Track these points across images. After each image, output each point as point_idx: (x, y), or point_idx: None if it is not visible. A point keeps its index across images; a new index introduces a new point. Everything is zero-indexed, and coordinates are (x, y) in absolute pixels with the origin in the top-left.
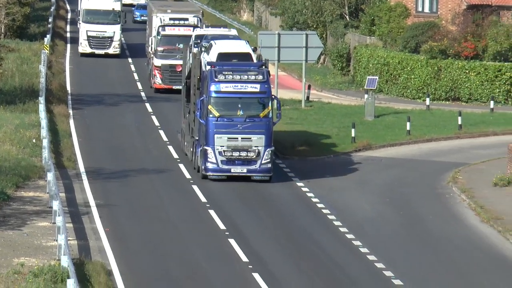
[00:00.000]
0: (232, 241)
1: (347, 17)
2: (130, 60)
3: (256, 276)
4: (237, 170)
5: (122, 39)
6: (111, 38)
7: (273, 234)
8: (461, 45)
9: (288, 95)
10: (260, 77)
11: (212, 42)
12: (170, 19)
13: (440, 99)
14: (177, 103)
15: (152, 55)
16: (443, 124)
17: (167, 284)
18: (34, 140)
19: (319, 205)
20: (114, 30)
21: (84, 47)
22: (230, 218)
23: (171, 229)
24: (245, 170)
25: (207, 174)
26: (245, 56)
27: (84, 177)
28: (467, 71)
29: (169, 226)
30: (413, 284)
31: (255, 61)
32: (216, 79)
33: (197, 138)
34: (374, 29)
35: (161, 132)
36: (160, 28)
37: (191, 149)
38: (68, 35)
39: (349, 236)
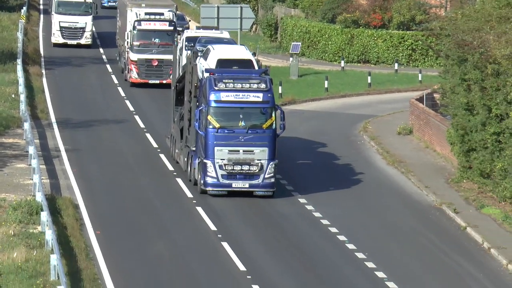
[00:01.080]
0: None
1: None
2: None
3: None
4: (238, 185)
5: (93, 29)
6: (83, 29)
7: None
8: (370, 17)
9: None
10: (263, 85)
11: (209, 47)
12: (146, 13)
13: (353, 61)
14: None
15: (127, 49)
16: (355, 83)
17: (123, 215)
18: (13, 95)
19: None
20: (86, 21)
21: (57, 37)
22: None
23: (128, 171)
24: (247, 185)
25: (206, 189)
26: (246, 63)
27: (55, 126)
28: (375, 38)
29: (127, 169)
30: (332, 218)
31: (256, 68)
32: (216, 88)
33: (193, 148)
34: (298, 3)
35: (113, 76)
36: (136, 22)
37: (185, 159)
38: (41, 7)
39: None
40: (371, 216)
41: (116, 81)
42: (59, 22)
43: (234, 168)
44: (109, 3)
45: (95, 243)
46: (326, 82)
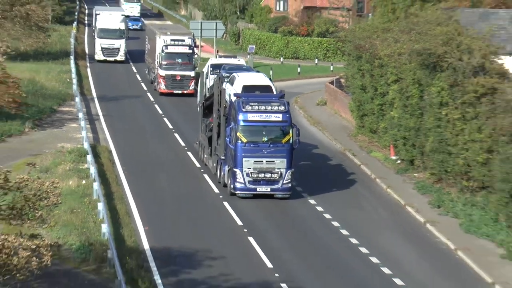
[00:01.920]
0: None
1: (238, 13)
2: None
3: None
4: (262, 189)
5: (126, 48)
6: (118, 49)
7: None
8: (300, 28)
9: (206, 55)
10: (282, 107)
11: (234, 74)
12: (171, 40)
13: (288, 58)
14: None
15: (157, 67)
16: (289, 72)
17: (141, 160)
18: (68, 80)
19: None
20: (120, 43)
21: (99, 55)
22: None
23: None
24: (269, 189)
25: (236, 192)
26: (266, 88)
27: (95, 100)
28: (303, 43)
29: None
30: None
31: (275, 92)
32: (244, 109)
33: (222, 157)
34: (253, 20)
35: (137, 76)
36: (164, 47)
37: (214, 164)
38: (86, 22)
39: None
40: (309, 167)
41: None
42: (101, 44)
43: (259, 176)
44: (132, 26)
45: (122, 175)
46: (271, 71)
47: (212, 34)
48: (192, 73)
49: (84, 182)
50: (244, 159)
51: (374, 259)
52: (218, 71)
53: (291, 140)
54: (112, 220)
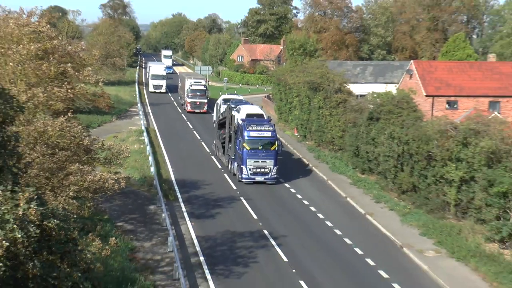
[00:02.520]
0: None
1: (219, 62)
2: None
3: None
4: (258, 178)
5: (166, 84)
6: (162, 85)
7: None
8: (250, 69)
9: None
10: (271, 128)
11: (240, 106)
12: (194, 82)
13: (244, 84)
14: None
15: (185, 96)
16: (244, 91)
17: (172, 137)
18: (134, 95)
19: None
20: (163, 82)
21: (151, 89)
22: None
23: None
24: (262, 179)
25: (242, 180)
26: (260, 116)
27: (148, 105)
28: (251, 77)
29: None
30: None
31: (265, 117)
32: (248, 129)
33: (232, 157)
34: (226, 65)
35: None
36: (190, 86)
37: (227, 160)
38: (143, 66)
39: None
40: None
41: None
42: (152, 83)
43: (256, 170)
44: (167, 72)
45: (161, 142)
46: (235, 91)
47: (205, 72)
48: (205, 100)
49: (142, 146)
50: (247, 159)
51: (295, 193)
52: (228, 103)
53: (276, 148)
54: (156, 165)
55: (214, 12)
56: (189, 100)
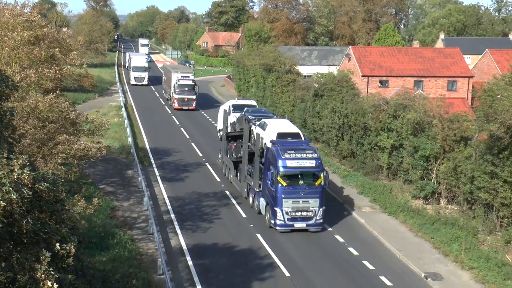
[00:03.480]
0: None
1: (187, 47)
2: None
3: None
4: (299, 225)
5: (148, 77)
6: (144, 78)
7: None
8: (212, 53)
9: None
10: (315, 155)
11: (265, 121)
12: (181, 76)
13: (208, 66)
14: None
15: (172, 92)
16: (209, 72)
17: (148, 110)
18: (114, 75)
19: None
20: (146, 75)
21: (133, 81)
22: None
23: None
24: (304, 225)
25: (276, 228)
26: (296, 135)
27: (126, 85)
28: (214, 60)
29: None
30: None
31: (303, 139)
32: (283, 157)
33: (257, 190)
34: (193, 49)
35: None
36: (177, 80)
37: (245, 190)
38: (122, 50)
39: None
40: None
41: (162, 103)
42: (133, 75)
43: (296, 214)
44: (147, 61)
45: (137, 115)
46: (200, 72)
47: (175, 56)
48: (194, 96)
49: (120, 119)
50: (284, 200)
51: None
52: (241, 112)
53: (322, 182)
54: (133, 136)
55: (182, 5)
56: (176, 96)
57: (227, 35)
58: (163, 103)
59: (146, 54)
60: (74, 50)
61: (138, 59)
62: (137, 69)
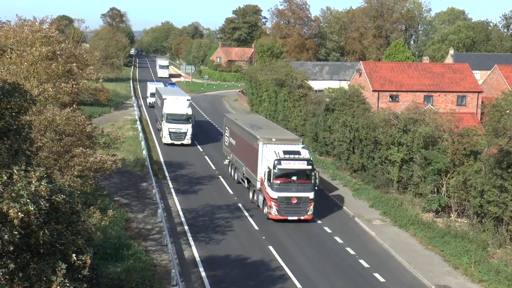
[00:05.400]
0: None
1: (200, 62)
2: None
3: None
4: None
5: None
6: (185, 134)
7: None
8: (226, 68)
9: (188, 80)
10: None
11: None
12: (284, 152)
13: (222, 81)
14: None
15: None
16: (222, 87)
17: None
18: (129, 89)
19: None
20: (188, 128)
21: (167, 139)
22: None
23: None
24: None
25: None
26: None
27: (141, 99)
28: (227, 74)
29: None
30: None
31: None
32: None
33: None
34: (206, 65)
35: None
36: (276, 161)
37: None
38: (137, 65)
39: None
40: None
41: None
42: (168, 128)
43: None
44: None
45: (153, 130)
46: (214, 87)
47: (189, 71)
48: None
49: (135, 132)
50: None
51: None
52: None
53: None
54: (147, 149)
55: (196, 21)
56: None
57: (240, 51)
58: None
59: (173, 84)
60: (90, 65)
61: (175, 101)
62: (173, 118)
